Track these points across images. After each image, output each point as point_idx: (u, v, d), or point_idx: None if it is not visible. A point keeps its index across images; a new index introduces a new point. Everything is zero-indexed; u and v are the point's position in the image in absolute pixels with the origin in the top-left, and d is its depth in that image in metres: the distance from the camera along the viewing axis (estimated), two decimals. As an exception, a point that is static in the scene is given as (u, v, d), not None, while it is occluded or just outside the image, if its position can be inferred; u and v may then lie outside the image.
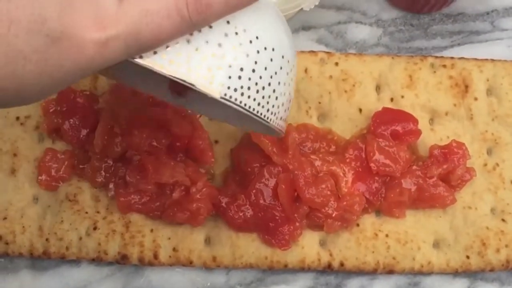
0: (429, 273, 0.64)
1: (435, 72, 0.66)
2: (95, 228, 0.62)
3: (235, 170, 0.63)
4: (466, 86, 0.66)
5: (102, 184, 0.63)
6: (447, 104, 0.66)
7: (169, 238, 0.62)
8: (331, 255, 0.62)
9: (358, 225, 0.63)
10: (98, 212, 0.63)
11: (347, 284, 0.64)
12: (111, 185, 0.62)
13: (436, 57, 0.67)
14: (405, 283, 0.64)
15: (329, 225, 0.61)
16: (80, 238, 0.62)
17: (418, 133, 0.63)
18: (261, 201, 0.61)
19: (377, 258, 0.62)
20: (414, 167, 0.63)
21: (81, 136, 0.63)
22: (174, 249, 0.62)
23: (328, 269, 0.63)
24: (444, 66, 0.67)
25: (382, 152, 0.62)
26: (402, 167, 0.62)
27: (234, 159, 0.64)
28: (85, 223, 0.62)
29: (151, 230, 0.62)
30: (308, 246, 0.62)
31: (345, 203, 0.61)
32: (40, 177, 0.63)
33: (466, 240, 0.63)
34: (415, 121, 0.63)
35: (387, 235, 0.63)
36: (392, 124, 0.63)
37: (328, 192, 0.61)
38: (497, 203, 0.64)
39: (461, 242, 0.63)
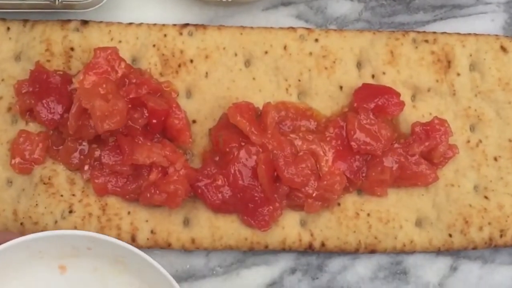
0: (412, 252, 0.63)
1: (417, 47, 0.65)
2: (70, 212, 0.61)
3: (213, 150, 0.62)
4: (449, 62, 0.65)
5: (77, 167, 0.61)
6: (430, 80, 0.64)
7: (147, 221, 0.61)
8: (312, 235, 0.62)
9: (339, 204, 0.62)
10: (73, 195, 0.61)
11: (328, 265, 0.64)
12: (86, 167, 0.61)
13: (418, 32, 0.66)
14: (388, 263, 0.64)
15: (309, 205, 0.60)
16: (56, 222, 0.61)
17: (401, 104, 0.62)
18: (240, 182, 0.60)
19: (358, 238, 0.62)
20: (396, 145, 0.62)
21: (55, 117, 0.61)
22: (152, 232, 0.61)
23: (309, 250, 0.62)
24: (426, 41, 0.65)
25: (363, 130, 0.61)
26: (383, 145, 0.61)
27: (212, 139, 0.62)
28: (61, 206, 0.61)
29: (128, 213, 0.61)
30: (289, 226, 0.62)
31: (325, 182, 0.60)
32: (13, 160, 0.61)
33: (449, 218, 0.62)
34: (397, 94, 0.62)
35: (368, 214, 0.62)
36: (375, 98, 0.62)
37: (308, 172, 0.60)
38: (480, 180, 0.63)
39: (444, 220, 0.62)
